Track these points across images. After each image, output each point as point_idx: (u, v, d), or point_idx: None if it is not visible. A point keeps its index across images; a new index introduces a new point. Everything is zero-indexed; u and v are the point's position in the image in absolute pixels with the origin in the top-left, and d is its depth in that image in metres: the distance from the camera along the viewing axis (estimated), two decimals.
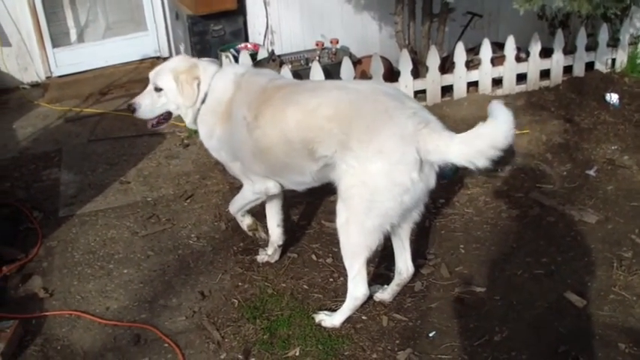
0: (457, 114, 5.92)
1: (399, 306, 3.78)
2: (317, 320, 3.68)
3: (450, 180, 4.88)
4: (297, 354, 3.47)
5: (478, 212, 4.55)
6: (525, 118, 5.73)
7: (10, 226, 4.81)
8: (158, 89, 3.81)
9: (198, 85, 3.73)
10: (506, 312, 3.68)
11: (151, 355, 3.59)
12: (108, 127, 6.27)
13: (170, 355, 3.58)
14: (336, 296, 3.88)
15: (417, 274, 3.95)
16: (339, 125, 3.27)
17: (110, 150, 5.83)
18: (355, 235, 3.37)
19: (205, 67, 3.81)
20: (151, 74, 3.86)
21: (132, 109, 3.88)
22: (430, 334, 3.58)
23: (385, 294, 3.80)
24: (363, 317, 3.72)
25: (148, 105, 3.86)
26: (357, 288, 3.55)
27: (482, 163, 3.15)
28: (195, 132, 5.41)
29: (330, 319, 3.64)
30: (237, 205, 4.05)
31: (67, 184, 5.33)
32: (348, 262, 3.51)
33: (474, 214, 4.54)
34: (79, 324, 3.85)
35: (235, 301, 3.91)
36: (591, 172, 4.92)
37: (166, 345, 3.64)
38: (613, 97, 6.04)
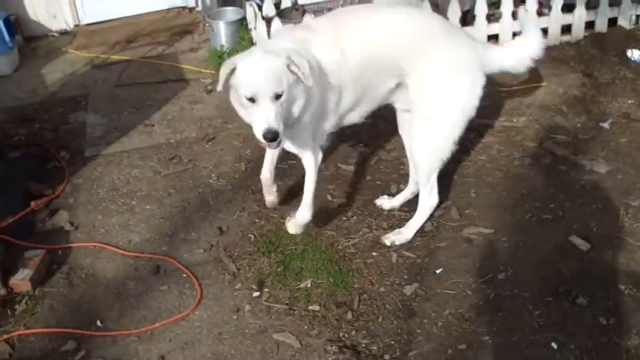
0: None
1: (409, 244, 3.91)
2: (389, 243, 3.90)
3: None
4: (309, 285, 3.64)
5: (491, 159, 4.66)
6: (544, 72, 5.78)
7: (39, 164, 5.00)
8: (279, 95, 3.19)
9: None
10: (511, 253, 3.80)
11: (170, 285, 3.77)
12: (134, 74, 6.41)
13: (188, 284, 3.75)
14: (348, 234, 4.03)
15: None
16: (420, 40, 3.49)
17: (135, 95, 5.98)
18: (438, 150, 3.67)
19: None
20: (263, 85, 3.16)
21: (272, 137, 3.16)
22: (437, 271, 3.72)
23: (395, 200, 4.12)
24: (374, 254, 3.87)
25: (280, 120, 3.19)
26: (432, 197, 3.89)
27: (522, 69, 3.76)
28: None
29: (404, 234, 3.92)
30: (312, 190, 3.77)
31: (94, 126, 5.50)
32: (425, 177, 3.80)
33: (486, 161, 4.64)
34: (103, 255, 4.03)
35: (252, 236, 4.07)
36: (605, 125, 4.98)
37: (185, 275, 3.81)
38: (635, 54, 6.04)
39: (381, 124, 4.70)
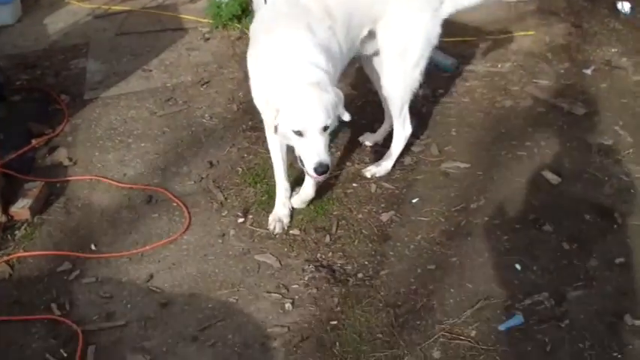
0: (467, 16, 6.03)
1: (388, 176, 4.12)
2: (369, 175, 4.12)
3: (451, 73, 5.14)
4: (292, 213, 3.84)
5: (474, 102, 4.83)
6: (532, 21, 5.92)
7: (40, 107, 5.20)
8: (327, 127, 3.21)
9: None
10: (485, 185, 4.00)
11: (161, 213, 3.99)
12: (134, 23, 6.57)
13: (177, 212, 3.98)
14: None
15: (407, 151, 4.30)
16: None
17: (135, 43, 6.15)
18: (409, 82, 3.91)
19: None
20: (315, 120, 3.15)
21: (326, 170, 3.18)
22: (413, 200, 3.93)
23: (377, 135, 4.36)
24: (354, 185, 4.08)
25: (327, 151, 3.22)
26: (405, 127, 4.13)
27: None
28: (217, 27, 5.80)
29: (384, 166, 4.15)
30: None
31: (93, 72, 5.69)
32: (398, 109, 4.02)
33: (469, 103, 4.82)
34: (99, 187, 4.26)
35: (240, 169, 4.29)
36: (588, 72, 5.14)
37: (175, 204, 4.03)
38: (625, 6, 6.15)
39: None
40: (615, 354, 2.96)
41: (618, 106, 4.69)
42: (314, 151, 3.12)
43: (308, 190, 3.77)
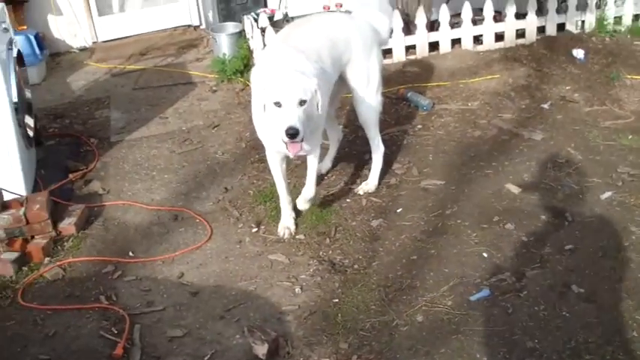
0: (442, 65, 7.02)
1: (376, 193, 4.89)
2: (361, 192, 4.88)
3: (428, 111, 5.98)
4: (297, 222, 4.60)
5: (447, 133, 5.65)
6: (498, 67, 6.82)
7: (73, 149, 5.98)
8: (303, 102, 3.83)
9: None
10: (457, 196, 4.77)
11: (186, 227, 4.73)
12: (148, 79, 7.43)
13: (200, 226, 4.72)
14: (328, 187, 5.02)
15: (392, 173, 5.11)
16: (345, 39, 4.57)
17: (151, 95, 6.99)
18: (376, 104, 4.76)
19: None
20: (290, 91, 3.81)
21: (294, 132, 3.76)
22: (398, 210, 4.69)
23: (328, 162, 5.19)
24: (348, 200, 4.85)
25: (303, 123, 3.81)
26: (380, 146, 4.91)
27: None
28: (222, 80, 6.63)
29: (371, 183, 4.93)
30: (315, 175, 4.48)
31: (117, 119, 6.51)
32: (373, 131, 4.83)
33: (444, 135, 5.63)
34: (131, 210, 5.00)
35: (251, 192, 5.05)
36: (546, 106, 5.99)
37: (198, 220, 4.78)
38: (579, 53, 7.06)
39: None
40: (564, 313, 3.67)
41: (571, 132, 5.50)
42: (287, 119, 3.76)
43: (309, 188, 4.47)
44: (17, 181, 4.89)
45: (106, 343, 3.73)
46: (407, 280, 4.02)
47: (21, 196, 4.80)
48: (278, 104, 3.84)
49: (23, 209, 4.54)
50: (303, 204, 4.53)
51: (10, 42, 5.12)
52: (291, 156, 4.17)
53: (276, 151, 4.33)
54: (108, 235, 4.70)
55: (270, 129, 4.05)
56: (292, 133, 3.75)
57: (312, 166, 4.42)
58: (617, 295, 3.75)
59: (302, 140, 3.85)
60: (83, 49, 8.52)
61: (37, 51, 7.42)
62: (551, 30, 7.49)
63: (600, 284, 3.85)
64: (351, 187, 5.00)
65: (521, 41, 7.41)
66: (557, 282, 3.90)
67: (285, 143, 3.90)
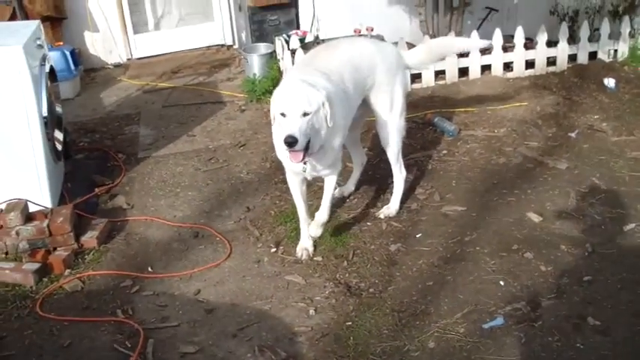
0: (471, 91, 7.03)
1: (397, 217, 4.89)
2: (382, 216, 4.89)
3: (454, 137, 5.97)
4: (316, 244, 4.62)
5: (472, 160, 5.63)
6: (527, 94, 6.80)
7: (100, 163, 6.08)
8: (307, 114, 3.85)
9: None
10: (478, 223, 4.75)
11: (206, 245, 4.77)
12: (179, 97, 7.54)
13: (220, 245, 4.76)
14: (349, 210, 5.03)
15: (414, 198, 5.10)
16: (371, 62, 4.59)
17: (180, 113, 7.08)
18: (399, 128, 4.77)
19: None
20: (294, 102, 3.86)
21: (292, 141, 3.78)
22: (417, 235, 4.68)
23: (351, 185, 5.19)
24: (368, 223, 4.85)
25: (304, 134, 3.83)
26: (402, 171, 4.92)
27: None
28: (252, 100, 6.69)
29: (392, 207, 4.94)
30: (330, 200, 4.48)
31: (145, 136, 6.60)
32: (395, 155, 4.83)
33: (468, 161, 5.61)
34: (153, 225, 5.06)
35: (272, 212, 5.08)
36: (572, 135, 5.94)
37: (218, 238, 4.81)
38: (610, 82, 7.01)
39: None
40: (578, 345, 3.63)
41: (597, 161, 5.46)
42: (288, 128, 3.79)
43: (322, 213, 4.47)
44: (43, 193, 4.98)
45: (119, 356, 3.77)
46: (421, 305, 4.00)
47: (46, 208, 4.88)
48: (283, 115, 3.87)
49: (47, 221, 4.63)
50: (314, 230, 4.51)
51: (44, 58, 5.23)
52: (308, 177, 4.28)
53: (293, 171, 4.36)
54: (128, 249, 4.76)
55: (280, 144, 4.06)
56: (290, 142, 3.77)
57: (329, 189, 4.44)
58: (633, 329, 3.70)
59: (305, 151, 3.89)
60: (118, 66, 8.68)
61: (72, 66, 7.56)
62: (582, 58, 7.45)
63: (617, 317, 3.80)
64: (372, 211, 5.00)
65: (551, 69, 7.38)
66: (573, 313, 3.86)
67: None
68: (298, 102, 3.84)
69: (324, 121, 3.95)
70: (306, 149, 3.90)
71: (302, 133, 3.80)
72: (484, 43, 5.84)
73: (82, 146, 6.41)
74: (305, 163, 4.07)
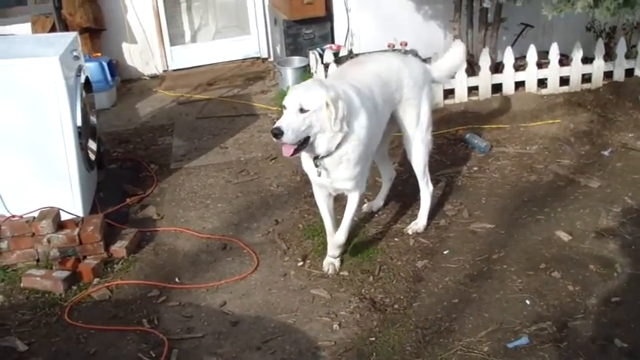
0: (504, 107, 6.99)
1: (425, 234, 4.88)
2: (410, 232, 4.89)
3: (485, 153, 5.95)
4: (342, 259, 4.62)
5: (502, 177, 5.60)
6: (561, 111, 6.74)
7: (133, 174, 6.17)
8: (304, 110, 3.85)
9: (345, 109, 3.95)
10: (506, 241, 4.72)
11: (234, 257, 4.81)
12: (213, 109, 7.62)
13: (248, 257, 4.78)
14: (377, 225, 5.03)
15: (442, 214, 5.08)
16: (398, 77, 4.61)
17: (213, 125, 7.16)
18: (426, 143, 4.78)
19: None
20: (294, 97, 3.88)
21: (277, 132, 3.79)
22: (444, 252, 4.66)
23: (380, 201, 5.22)
24: (396, 239, 4.85)
25: (295, 129, 3.81)
26: (429, 186, 4.93)
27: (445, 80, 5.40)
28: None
29: (420, 223, 4.94)
30: (351, 220, 4.47)
31: (178, 147, 6.68)
32: (422, 171, 4.83)
33: (498, 178, 5.58)
34: (181, 237, 5.11)
35: (300, 225, 5.10)
36: (606, 153, 5.88)
37: (245, 251, 4.84)
38: None
39: None
40: None
41: (630, 180, 5.39)
42: (280, 120, 3.85)
43: (340, 234, 4.47)
44: (75, 202, 5.07)
45: None
46: (446, 323, 3.98)
47: (77, 217, 4.96)
48: (284, 107, 3.91)
49: (78, 230, 4.70)
50: (332, 250, 4.53)
51: (79, 69, 5.32)
52: (331, 191, 4.36)
53: (317, 184, 4.39)
54: (157, 259, 4.81)
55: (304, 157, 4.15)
56: (275, 133, 3.79)
57: (350, 207, 4.41)
58: None
59: (300, 148, 3.95)
60: (154, 77, 8.82)
61: (109, 77, 7.70)
62: (619, 75, 7.36)
63: None
64: (400, 227, 4.99)
65: (586, 86, 7.31)
66: (600, 334, 3.81)
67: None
68: (297, 97, 3.87)
69: (327, 121, 3.90)
70: (303, 146, 3.94)
71: (292, 127, 3.81)
72: None
73: (115, 156, 6.50)
74: (317, 167, 4.12)
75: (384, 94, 4.46)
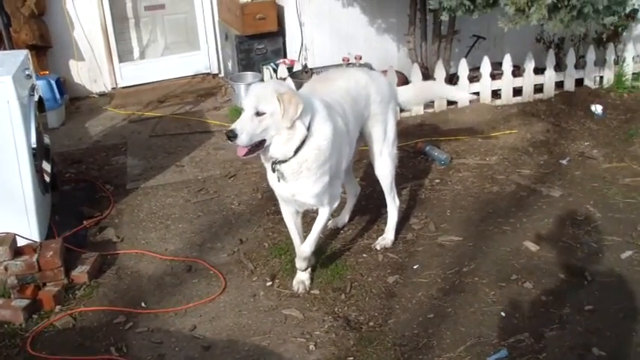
0: (460, 119, 7.02)
1: (393, 249, 4.83)
2: (378, 247, 4.83)
3: (446, 165, 5.95)
4: (312, 277, 4.54)
5: (465, 188, 5.61)
6: (516, 122, 6.81)
7: (88, 195, 5.98)
8: (260, 114, 3.81)
9: (301, 108, 3.86)
10: (475, 253, 4.71)
11: (200, 279, 4.68)
12: (165, 126, 7.47)
13: (214, 278, 4.67)
14: (345, 243, 4.96)
15: (409, 228, 5.05)
16: (366, 94, 4.59)
17: (168, 143, 7.01)
18: (392, 157, 4.78)
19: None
20: (251, 99, 3.83)
21: (231, 135, 3.77)
22: (414, 266, 4.63)
23: (345, 216, 5.17)
24: (364, 255, 4.79)
25: (249, 132, 3.78)
26: (395, 200, 4.91)
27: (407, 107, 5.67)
28: None
29: (387, 238, 4.90)
30: (318, 234, 4.40)
31: (133, 166, 6.51)
32: (389, 186, 4.81)
33: (461, 190, 5.59)
34: (144, 259, 4.96)
35: (266, 244, 5.00)
36: (564, 162, 5.95)
37: (212, 272, 4.72)
38: (598, 108, 7.05)
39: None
40: None
41: (590, 189, 5.46)
42: (235, 122, 3.83)
43: (306, 245, 4.40)
44: (31, 226, 4.88)
45: None
46: (423, 339, 3.94)
47: (35, 242, 4.78)
48: (242, 110, 3.87)
49: (36, 256, 4.52)
50: (298, 262, 4.46)
51: (32, 88, 5.14)
52: (297, 207, 4.33)
53: (283, 200, 4.34)
54: (120, 284, 4.66)
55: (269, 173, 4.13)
56: (229, 135, 3.79)
57: (319, 221, 4.36)
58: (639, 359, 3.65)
59: (255, 149, 3.90)
60: (103, 95, 8.62)
61: (57, 95, 7.49)
62: (569, 85, 7.50)
63: (622, 347, 3.77)
64: (367, 242, 4.94)
65: (539, 96, 7.42)
66: (578, 344, 3.82)
67: None
68: (251, 98, 3.85)
69: (284, 124, 3.84)
70: (257, 148, 3.90)
71: (246, 130, 3.79)
72: (471, 97, 6.14)
73: (68, 177, 6.31)
74: (274, 171, 4.07)
75: (354, 111, 4.43)
